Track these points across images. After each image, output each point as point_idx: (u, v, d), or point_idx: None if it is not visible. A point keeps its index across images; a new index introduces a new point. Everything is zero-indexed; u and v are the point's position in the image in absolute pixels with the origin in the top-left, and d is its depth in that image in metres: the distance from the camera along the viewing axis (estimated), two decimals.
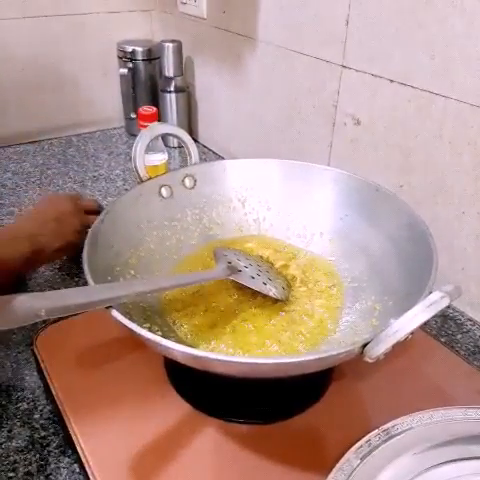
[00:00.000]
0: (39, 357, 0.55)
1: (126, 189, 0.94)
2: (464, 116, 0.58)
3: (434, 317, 0.39)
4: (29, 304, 0.36)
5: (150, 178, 0.59)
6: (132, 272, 0.53)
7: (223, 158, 1.08)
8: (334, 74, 0.73)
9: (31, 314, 0.36)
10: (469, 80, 0.56)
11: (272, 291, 0.53)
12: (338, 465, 0.38)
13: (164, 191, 0.60)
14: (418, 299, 0.38)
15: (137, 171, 0.58)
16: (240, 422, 0.49)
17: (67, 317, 0.49)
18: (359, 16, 0.67)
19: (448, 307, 0.66)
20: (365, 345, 0.38)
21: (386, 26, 0.64)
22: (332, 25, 0.71)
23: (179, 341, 0.49)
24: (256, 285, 0.52)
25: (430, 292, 0.38)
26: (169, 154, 0.96)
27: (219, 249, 0.57)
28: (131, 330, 0.39)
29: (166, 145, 1.03)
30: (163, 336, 0.47)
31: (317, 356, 0.36)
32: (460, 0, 0.55)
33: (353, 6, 0.67)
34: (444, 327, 0.64)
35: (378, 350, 0.37)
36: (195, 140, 1.15)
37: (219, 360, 0.37)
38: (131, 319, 0.41)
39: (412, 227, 0.51)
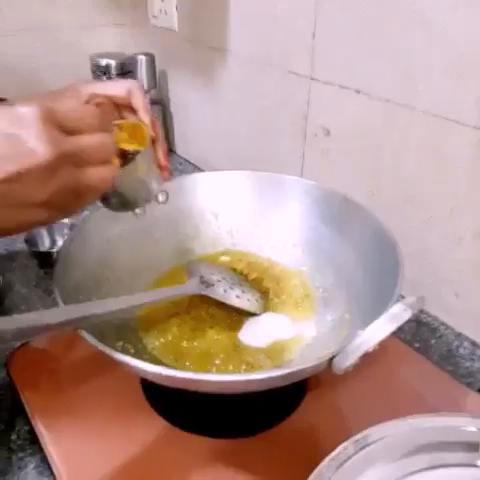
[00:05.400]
0: (13, 377, 0.55)
1: None
2: (428, 125, 0.59)
3: (408, 322, 0.40)
4: None
5: None
6: (104, 290, 0.53)
7: (200, 168, 1.08)
8: (303, 86, 0.74)
9: None
10: (432, 90, 0.58)
11: (245, 304, 0.53)
12: (310, 479, 0.39)
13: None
14: (385, 309, 0.39)
15: None
16: (216, 437, 0.49)
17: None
18: (325, 29, 0.68)
19: (421, 312, 0.67)
20: (332, 358, 0.38)
21: (351, 38, 0.65)
22: (299, 38, 0.72)
23: (152, 359, 0.49)
24: (229, 299, 0.53)
25: (398, 301, 0.39)
26: None
27: (191, 263, 0.57)
28: (101, 351, 0.39)
29: None
30: (136, 354, 0.47)
31: (284, 372, 0.37)
32: (420, 11, 0.56)
33: (319, 19, 0.68)
34: (418, 332, 0.65)
35: (345, 363, 0.38)
36: (172, 151, 1.16)
37: (189, 379, 0.38)
38: (103, 338, 0.41)
39: (380, 237, 0.52)
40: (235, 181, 0.65)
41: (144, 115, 0.47)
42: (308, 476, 0.40)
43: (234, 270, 0.61)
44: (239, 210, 0.65)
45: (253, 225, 0.65)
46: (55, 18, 1.06)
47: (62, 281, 0.46)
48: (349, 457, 0.42)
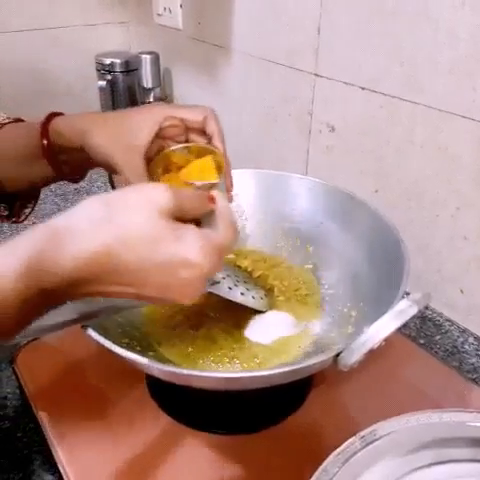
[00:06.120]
0: (20, 375, 0.55)
1: None
2: (433, 121, 0.59)
3: (412, 319, 0.40)
4: None
5: None
6: None
7: None
8: (308, 83, 0.74)
9: None
10: (437, 86, 0.58)
11: (250, 302, 0.53)
12: (316, 474, 0.39)
13: None
14: (390, 306, 0.39)
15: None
16: (222, 433, 0.49)
17: None
18: (330, 25, 0.68)
19: (426, 308, 0.67)
20: (338, 355, 0.38)
21: (356, 34, 0.65)
22: (304, 34, 0.72)
23: (158, 356, 0.49)
24: (234, 296, 0.53)
25: (403, 297, 0.39)
26: None
27: None
28: (107, 348, 0.39)
29: None
30: (142, 351, 0.48)
31: (289, 369, 0.37)
32: (426, 8, 0.56)
33: (324, 15, 0.68)
34: (423, 328, 0.65)
35: (350, 359, 0.38)
36: None
37: (194, 376, 0.38)
38: (109, 335, 0.41)
39: (385, 233, 0.52)
40: (240, 179, 0.64)
41: (218, 142, 0.49)
42: (314, 472, 0.40)
43: (239, 267, 0.61)
44: (244, 208, 0.65)
45: (258, 223, 0.65)
46: (59, 16, 1.07)
47: None
48: (355, 452, 0.42)
